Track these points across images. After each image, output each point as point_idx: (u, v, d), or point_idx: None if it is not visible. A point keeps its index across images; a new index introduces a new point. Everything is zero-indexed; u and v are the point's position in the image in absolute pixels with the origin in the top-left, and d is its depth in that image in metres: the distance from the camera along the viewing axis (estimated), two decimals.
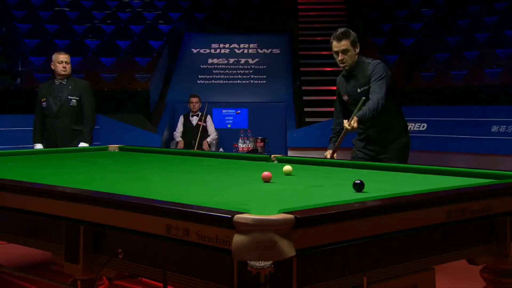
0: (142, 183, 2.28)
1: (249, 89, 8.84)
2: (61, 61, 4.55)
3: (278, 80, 8.97)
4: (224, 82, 9.03)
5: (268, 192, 2.00)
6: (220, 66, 9.35)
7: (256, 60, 9.46)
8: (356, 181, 1.93)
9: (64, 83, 4.58)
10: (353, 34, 3.23)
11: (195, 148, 7.16)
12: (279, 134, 8.01)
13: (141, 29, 10.41)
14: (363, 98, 3.13)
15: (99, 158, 3.32)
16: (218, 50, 9.76)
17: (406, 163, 3.23)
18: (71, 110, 4.57)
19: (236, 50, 9.79)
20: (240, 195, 1.95)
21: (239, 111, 8.34)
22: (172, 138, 7.68)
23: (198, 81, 9.02)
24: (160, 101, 8.93)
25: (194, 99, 7.42)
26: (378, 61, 3.25)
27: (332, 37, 3.24)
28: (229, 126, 8.32)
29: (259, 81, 9.00)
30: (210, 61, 9.47)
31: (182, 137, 7.45)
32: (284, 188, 2.11)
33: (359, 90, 3.30)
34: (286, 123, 8.05)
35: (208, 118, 7.60)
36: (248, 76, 9.11)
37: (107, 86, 8.67)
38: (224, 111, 8.35)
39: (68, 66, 4.58)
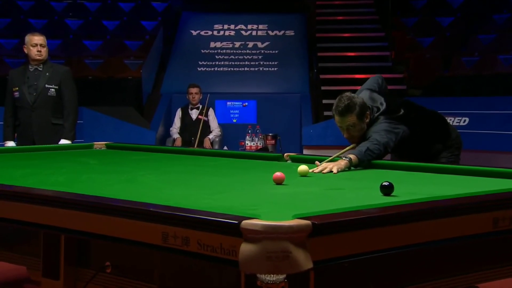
0: (133, 185, 2.29)
1: (258, 77, 8.85)
2: (35, 44, 4.51)
3: (291, 67, 8.98)
4: (229, 69, 9.04)
5: (281, 195, 2.01)
6: (224, 51, 9.36)
7: (266, 43, 9.46)
8: (384, 183, 1.93)
9: (40, 69, 4.56)
10: (359, 104, 3.07)
11: (195, 147, 7.19)
12: (293, 130, 8.02)
13: (132, 7, 10.44)
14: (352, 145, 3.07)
15: (83, 158, 3.34)
16: (221, 32, 9.77)
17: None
18: (49, 100, 4.56)
19: (243, 32, 9.79)
20: (248, 198, 1.96)
21: (246, 104, 8.35)
22: (168, 135, 7.67)
23: (198, 69, 9.04)
24: (154, 91, 8.96)
25: (194, 90, 7.44)
26: (382, 121, 3.09)
27: (333, 110, 3.13)
28: (234, 121, 8.34)
29: (270, 69, 8.99)
30: (212, 45, 9.49)
31: (180, 133, 7.49)
32: (299, 190, 2.12)
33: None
34: (301, 118, 8.06)
35: (210, 111, 7.63)
36: (256, 63, 9.11)
37: (91, 74, 8.71)
38: (228, 103, 8.37)
39: (44, 50, 4.54)
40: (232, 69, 9.04)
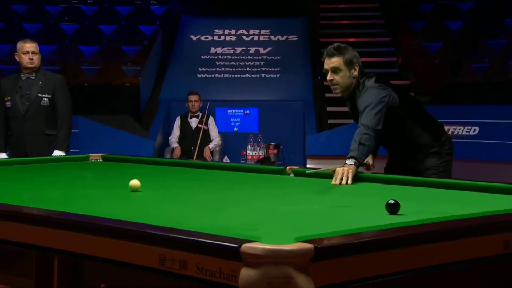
0: (129, 201, 2.30)
1: (260, 84, 8.87)
2: (27, 51, 4.51)
3: (295, 74, 8.99)
4: (230, 76, 9.07)
5: (282, 213, 2.01)
6: (225, 57, 9.40)
7: (269, 49, 9.50)
8: (389, 201, 1.93)
9: (33, 77, 4.56)
10: (351, 52, 3.22)
11: (195, 156, 7.20)
12: (296, 140, 8.02)
13: (129, 11, 10.49)
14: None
15: (78, 171, 3.35)
16: (222, 37, 9.82)
17: (447, 175, 3.25)
18: (42, 110, 4.56)
19: (244, 37, 9.84)
20: (249, 217, 1.97)
21: (247, 112, 8.37)
22: (167, 144, 7.71)
23: (198, 75, 9.07)
24: (152, 99, 8.99)
25: (194, 97, 7.47)
26: (371, 85, 3.20)
27: (324, 52, 3.29)
28: (235, 129, 8.35)
29: (272, 75, 9.02)
30: (212, 50, 9.53)
31: (179, 142, 7.50)
32: (302, 208, 2.12)
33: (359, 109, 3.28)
34: (305, 126, 8.07)
35: (211, 120, 7.65)
36: (258, 69, 9.14)
37: (87, 81, 8.74)
38: (229, 111, 8.38)
39: (36, 57, 4.53)
40: (233, 75, 9.07)
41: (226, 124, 8.32)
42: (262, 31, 9.87)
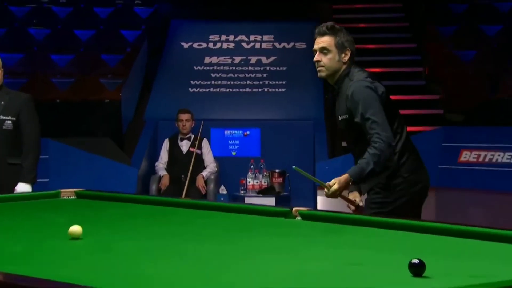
0: (107, 256, 2.29)
1: (262, 100, 8.91)
2: None
3: (303, 88, 9.03)
4: (227, 90, 9.11)
5: (287, 276, 1.99)
6: (222, 68, 9.45)
7: (273, 58, 9.54)
8: (413, 261, 1.91)
9: (1, 94, 4.56)
10: (345, 34, 3.43)
11: (186, 186, 7.20)
12: (305, 166, 7.79)
13: (109, 13, 10.55)
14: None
15: (47, 213, 3.33)
16: (218, 45, 9.86)
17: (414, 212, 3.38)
18: (4, 135, 4.54)
19: (244, 45, 9.89)
20: (246, 280, 1.96)
21: (248, 133, 8.40)
22: (153, 172, 7.72)
23: (190, 89, 9.12)
24: (136, 118, 9.04)
25: (185, 116, 7.51)
26: (359, 80, 3.37)
27: (316, 30, 3.48)
28: (234, 153, 8.37)
29: (277, 89, 9.04)
30: (207, 60, 9.58)
31: (167, 169, 7.53)
32: (309, 268, 2.11)
33: (339, 118, 3.50)
34: (315, 150, 8.08)
35: (205, 142, 7.68)
36: (260, 82, 9.19)
37: (59, 97, 8.77)
38: (226, 132, 8.42)
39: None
40: (231, 90, 9.11)
41: (222, 147, 8.34)
42: (265, 38, 9.91)
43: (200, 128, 7.51)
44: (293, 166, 3.32)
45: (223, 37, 9.94)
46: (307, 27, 10.04)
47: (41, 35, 10.04)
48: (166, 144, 7.66)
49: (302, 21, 10.25)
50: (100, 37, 10.08)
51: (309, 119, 8.56)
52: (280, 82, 9.14)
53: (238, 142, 8.40)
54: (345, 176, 3.33)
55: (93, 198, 3.84)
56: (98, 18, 10.51)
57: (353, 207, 3.50)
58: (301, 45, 9.78)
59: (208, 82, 9.22)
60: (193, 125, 7.57)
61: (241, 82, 9.21)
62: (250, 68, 9.44)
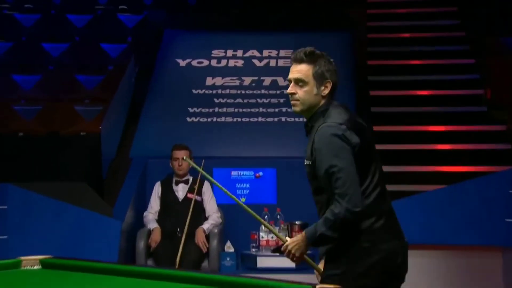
0: None
1: (279, 132, 8.84)
2: None
3: None
4: (235, 120, 9.05)
5: None
6: (227, 91, 9.42)
7: None
8: None
9: None
10: (326, 62, 3.60)
11: (182, 242, 7.11)
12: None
13: (87, 21, 10.58)
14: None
15: None
16: (223, 62, 9.84)
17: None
18: None
19: (256, 62, 9.87)
20: None
21: (260, 174, 8.33)
22: (140, 225, 7.72)
23: (188, 119, 9.07)
24: (120, 156, 9.00)
25: (181, 153, 7.51)
26: (330, 126, 3.50)
27: (291, 56, 3.70)
28: (243, 200, 8.28)
29: (296, 118, 8.97)
30: (209, 81, 9.55)
31: (159, 221, 7.51)
32: None
33: (305, 162, 3.67)
34: None
35: (206, 186, 7.65)
36: (276, 110, 9.14)
37: (23, 128, 8.73)
38: (234, 173, 8.37)
39: None
40: (239, 119, 9.03)
41: (230, 192, 8.27)
42: (282, 53, 9.89)
43: (201, 169, 7.14)
44: (242, 199, 3.44)
45: (230, 52, 9.92)
46: (335, 39, 10.09)
47: (1, 49, 10.07)
48: (157, 189, 7.66)
49: (328, 31, 10.25)
50: (75, 52, 10.07)
51: None
52: None
53: (248, 186, 8.33)
54: (301, 234, 3.55)
55: (63, 268, 3.80)
56: (73, 27, 10.53)
57: (319, 277, 3.65)
58: None
59: (211, 110, 9.16)
60: (191, 164, 7.55)
61: (252, 110, 9.14)
62: (263, 91, 9.42)
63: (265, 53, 9.95)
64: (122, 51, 10.11)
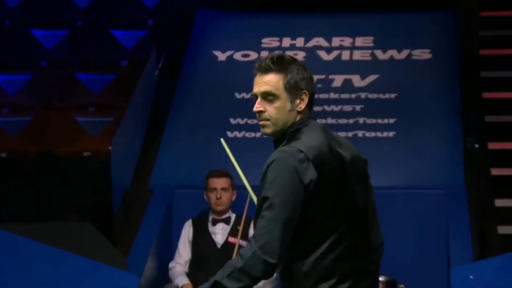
0: None
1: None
2: None
3: (428, 129, 8.99)
4: None
5: None
6: None
7: (373, 78, 9.53)
8: None
9: None
10: (299, 69, 3.70)
11: None
12: (430, 271, 7.94)
13: (91, 0, 10.63)
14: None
15: None
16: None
17: None
18: None
19: (322, 54, 9.88)
20: None
21: None
22: (165, 280, 7.72)
23: (229, 134, 9.07)
24: (136, 185, 9.01)
25: (220, 182, 7.59)
26: (287, 152, 3.58)
27: (255, 65, 3.78)
28: None
29: (379, 133, 8.96)
30: None
31: (189, 274, 7.54)
32: None
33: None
34: (449, 243, 7.96)
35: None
36: (351, 120, 9.12)
37: (5, 146, 8.73)
38: None
39: None
40: None
41: None
42: (359, 41, 9.92)
43: (247, 203, 7.39)
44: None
45: (286, 41, 9.94)
46: (434, 23, 10.09)
47: None
48: (187, 231, 7.70)
49: (424, 11, 10.28)
50: (75, 42, 10.12)
51: (438, 185, 8.47)
52: (386, 120, 9.06)
53: None
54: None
55: None
56: (73, 8, 10.56)
57: None
58: (422, 54, 9.77)
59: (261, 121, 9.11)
60: (233, 197, 7.60)
61: (317, 120, 9.04)
62: (332, 95, 9.39)
63: (335, 41, 9.93)
64: (140, 40, 10.13)
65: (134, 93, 9.20)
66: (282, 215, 3.50)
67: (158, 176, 8.83)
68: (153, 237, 8.07)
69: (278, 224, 3.50)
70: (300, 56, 9.78)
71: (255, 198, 3.96)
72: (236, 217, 7.64)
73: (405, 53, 9.79)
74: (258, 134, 8.99)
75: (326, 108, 9.26)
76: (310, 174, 3.55)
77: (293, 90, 3.65)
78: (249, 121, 9.19)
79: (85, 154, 8.66)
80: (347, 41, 9.95)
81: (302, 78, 3.68)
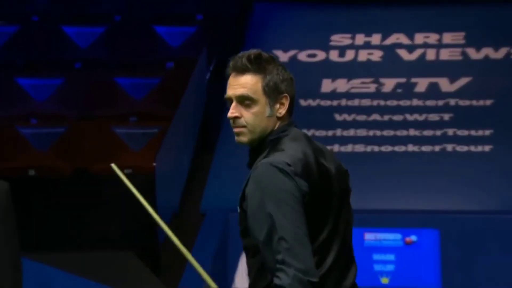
0: None
1: (443, 170, 8.98)
2: None
3: None
4: (368, 149, 9.25)
5: None
6: (358, 102, 9.64)
7: (464, 81, 9.67)
8: None
9: None
10: (279, 68, 3.75)
11: None
12: None
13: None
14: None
15: None
16: (349, 54, 10.07)
17: None
18: None
19: (403, 54, 10.10)
20: None
21: (412, 238, 8.50)
22: None
23: None
24: (185, 208, 9.23)
25: None
26: (271, 163, 3.63)
27: (229, 64, 3.82)
28: (385, 281, 8.48)
29: (474, 147, 9.11)
30: (327, 85, 9.80)
31: None
32: None
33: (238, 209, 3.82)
34: None
35: None
36: (438, 132, 9.29)
37: (35, 163, 8.96)
38: (368, 236, 8.55)
39: None
40: (375, 148, 9.23)
41: (362, 267, 8.32)
42: (447, 38, 10.12)
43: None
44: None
45: (360, 38, 10.23)
46: None
47: (3, 36, 10.40)
48: (245, 263, 7.84)
49: None
50: (113, 41, 10.36)
51: None
52: (481, 132, 9.23)
53: (393, 258, 8.49)
54: None
55: None
56: (112, 2, 10.82)
57: None
58: None
59: (330, 133, 9.39)
60: None
61: (397, 133, 9.32)
62: (415, 102, 9.58)
63: (418, 38, 10.15)
64: (189, 38, 10.37)
65: (182, 100, 9.32)
66: (299, 232, 3.58)
67: (210, 197, 9.04)
68: (207, 265, 8.03)
69: (301, 243, 3.57)
70: (376, 55, 10.01)
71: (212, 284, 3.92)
72: None
73: (502, 52, 9.91)
74: (333, 148, 9.23)
75: (408, 117, 9.45)
76: (304, 186, 3.61)
77: (272, 93, 3.71)
78: (316, 133, 9.36)
79: (125, 171, 8.70)
80: (432, 38, 10.14)
81: (282, 79, 3.71)
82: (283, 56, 10.21)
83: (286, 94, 3.69)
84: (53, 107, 9.66)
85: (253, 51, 3.69)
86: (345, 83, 9.75)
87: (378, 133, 9.33)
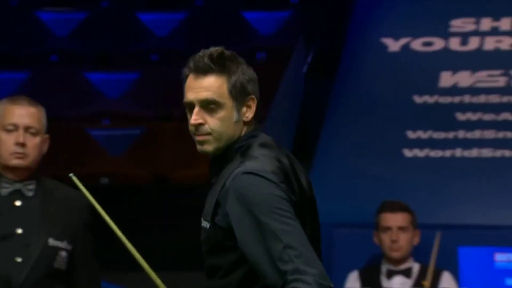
0: None
1: None
2: (14, 126, 5.39)
3: None
4: (498, 154, 9.40)
5: None
6: (483, 99, 9.87)
7: None
8: None
9: (30, 193, 5.47)
10: (243, 68, 4.12)
11: None
12: None
13: None
14: None
15: None
16: (473, 42, 10.29)
17: None
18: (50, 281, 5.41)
19: None
20: None
21: None
22: None
23: (407, 152, 9.58)
24: None
25: (397, 219, 8.05)
26: (251, 171, 3.93)
27: (186, 66, 4.16)
28: None
29: None
30: (447, 79, 10.05)
31: None
32: None
33: (202, 223, 4.17)
34: None
35: (447, 279, 8.14)
36: None
37: (107, 170, 9.52)
38: (500, 257, 8.76)
39: (34, 143, 5.40)
40: (506, 152, 9.38)
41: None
42: None
43: (435, 249, 7.94)
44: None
45: (486, 23, 10.44)
46: None
47: (60, 24, 10.98)
48: (353, 285, 8.25)
49: None
50: (195, 28, 10.81)
51: None
52: None
53: None
54: None
55: None
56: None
57: None
58: None
59: (451, 135, 9.66)
60: (416, 240, 8.07)
61: None
62: None
63: None
64: (282, 25, 10.79)
65: (274, 97, 9.66)
66: (303, 238, 3.81)
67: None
68: None
69: (309, 250, 3.80)
70: (506, 43, 10.25)
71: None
72: (420, 268, 8.07)
73: None
74: (447, 153, 9.48)
75: None
76: (290, 194, 3.90)
77: (239, 95, 4.02)
78: (434, 135, 9.62)
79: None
80: None
81: (248, 79, 4.05)
82: (393, 45, 10.45)
83: (253, 96, 4.09)
84: (127, 105, 10.11)
85: (214, 49, 4.07)
86: (469, 76, 9.91)
87: (509, 135, 9.45)
